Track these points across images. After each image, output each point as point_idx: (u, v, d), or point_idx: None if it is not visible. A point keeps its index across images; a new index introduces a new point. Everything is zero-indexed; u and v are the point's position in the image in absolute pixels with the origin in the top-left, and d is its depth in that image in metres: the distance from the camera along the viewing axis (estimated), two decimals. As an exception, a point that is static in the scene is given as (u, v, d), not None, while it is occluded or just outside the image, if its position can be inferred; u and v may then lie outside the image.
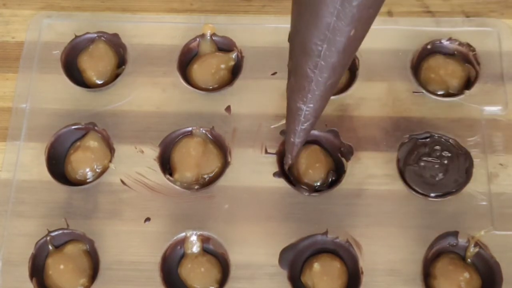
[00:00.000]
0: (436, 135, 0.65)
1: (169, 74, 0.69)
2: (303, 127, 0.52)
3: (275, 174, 0.64)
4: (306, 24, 0.43)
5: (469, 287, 0.59)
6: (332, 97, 0.67)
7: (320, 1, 0.41)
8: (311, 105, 0.48)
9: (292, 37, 0.46)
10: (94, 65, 0.70)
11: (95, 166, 0.65)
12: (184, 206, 0.63)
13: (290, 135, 0.54)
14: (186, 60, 0.71)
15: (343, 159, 0.65)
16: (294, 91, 0.49)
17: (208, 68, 0.69)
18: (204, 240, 0.62)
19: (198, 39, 0.71)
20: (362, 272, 0.60)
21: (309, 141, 0.65)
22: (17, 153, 0.66)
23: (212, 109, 0.68)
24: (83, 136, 0.67)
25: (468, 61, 0.69)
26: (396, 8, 0.73)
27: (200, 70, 0.70)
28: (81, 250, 0.62)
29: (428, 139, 0.65)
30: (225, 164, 0.65)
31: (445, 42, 0.70)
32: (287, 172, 0.64)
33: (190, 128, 0.67)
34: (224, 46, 0.71)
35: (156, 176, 0.65)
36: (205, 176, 0.65)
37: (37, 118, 0.68)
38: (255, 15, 0.74)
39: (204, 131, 0.67)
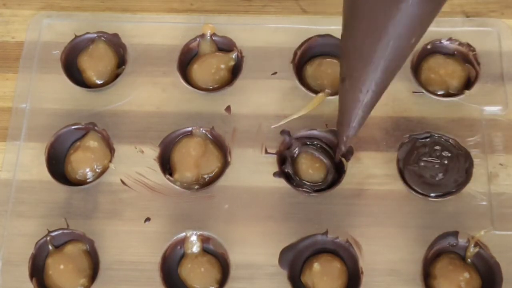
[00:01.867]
0: (436, 135, 0.65)
1: (169, 74, 0.69)
2: (355, 124, 0.53)
3: (275, 174, 0.64)
4: (365, 37, 0.43)
5: (469, 287, 0.59)
6: (332, 97, 0.67)
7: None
8: (369, 102, 0.49)
9: (346, 44, 0.47)
10: (94, 65, 0.70)
11: (95, 166, 0.65)
12: (184, 206, 0.63)
13: (343, 134, 0.55)
14: (186, 60, 0.71)
15: (343, 159, 0.65)
16: (348, 96, 0.50)
17: (208, 68, 0.69)
18: (204, 240, 0.62)
19: (198, 39, 0.71)
20: (362, 272, 0.60)
21: (310, 141, 0.65)
22: (17, 153, 0.66)
23: (212, 109, 0.68)
24: (83, 136, 0.67)
25: (468, 61, 0.69)
26: (396, 8, 0.73)
27: (200, 70, 0.70)
28: (81, 250, 0.62)
29: (428, 139, 0.65)
30: (225, 164, 0.65)
31: (445, 42, 0.70)
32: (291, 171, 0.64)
33: (190, 128, 0.67)
34: (224, 46, 0.71)
35: (156, 176, 0.65)
36: (205, 176, 0.65)
37: (37, 118, 0.68)
38: (255, 15, 0.74)
39: (204, 131, 0.67)
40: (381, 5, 0.40)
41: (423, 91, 0.67)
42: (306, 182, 0.64)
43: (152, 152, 0.66)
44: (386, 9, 0.40)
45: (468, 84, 0.68)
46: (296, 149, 0.65)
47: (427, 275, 0.60)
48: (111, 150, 0.66)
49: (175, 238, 0.62)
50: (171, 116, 0.68)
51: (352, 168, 0.64)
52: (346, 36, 0.46)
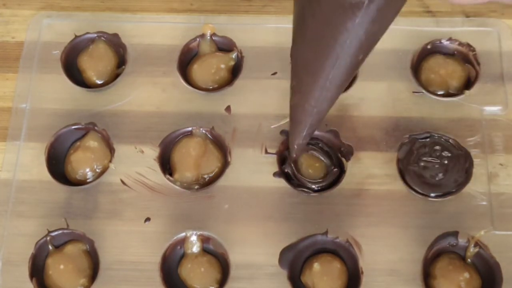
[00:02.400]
0: (436, 135, 0.65)
1: (169, 74, 0.69)
2: (307, 132, 0.53)
3: (275, 174, 0.64)
4: (314, 53, 0.44)
5: (469, 287, 0.59)
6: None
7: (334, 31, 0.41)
8: (316, 117, 0.49)
9: (295, 57, 0.47)
10: (94, 65, 0.70)
11: (95, 166, 0.65)
12: (184, 206, 0.63)
13: (294, 142, 0.55)
14: (186, 60, 0.71)
15: (343, 159, 0.65)
16: (298, 106, 0.50)
17: (208, 68, 0.69)
18: (204, 240, 0.62)
19: (198, 39, 0.71)
20: (362, 272, 0.60)
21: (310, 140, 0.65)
22: (17, 153, 0.66)
23: (212, 109, 0.68)
24: (83, 136, 0.67)
25: (468, 61, 0.69)
26: (396, 8, 0.73)
27: (200, 70, 0.70)
28: (81, 250, 0.62)
29: (428, 139, 0.65)
30: (225, 164, 0.65)
31: (445, 42, 0.70)
32: (291, 170, 0.64)
33: (190, 128, 0.67)
34: (224, 46, 0.71)
35: (156, 176, 0.65)
36: (205, 176, 0.65)
37: (37, 118, 0.68)
38: (255, 15, 0.74)
39: (204, 131, 0.67)
40: (329, 25, 0.40)
41: (423, 91, 0.67)
42: (306, 179, 0.64)
43: (152, 152, 0.66)
44: (333, 29, 0.40)
45: (468, 84, 0.68)
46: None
47: (427, 275, 0.60)
48: (111, 150, 0.66)
49: (175, 238, 0.62)
50: (171, 116, 0.68)
51: (352, 168, 0.64)
52: (294, 51, 0.46)
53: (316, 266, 0.60)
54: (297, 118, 0.50)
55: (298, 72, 0.47)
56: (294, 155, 0.60)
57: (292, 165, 0.64)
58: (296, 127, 0.51)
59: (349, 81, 0.46)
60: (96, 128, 0.67)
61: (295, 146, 0.56)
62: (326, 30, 0.41)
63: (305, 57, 0.45)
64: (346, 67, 0.43)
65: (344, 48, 0.41)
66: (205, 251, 0.62)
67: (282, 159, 0.65)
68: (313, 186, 0.63)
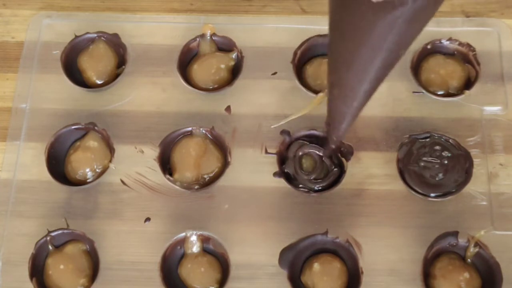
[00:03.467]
0: (436, 135, 0.65)
1: (169, 74, 0.69)
2: (344, 125, 0.54)
3: (275, 174, 0.64)
4: (354, 49, 0.45)
5: (469, 287, 0.59)
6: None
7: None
8: (356, 109, 0.50)
9: (334, 52, 0.48)
10: (94, 65, 0.70)
11: (95, 166, 0.65)
12: (184, 206, 0.63)
13: (333, 134, 0.56)
14: (186, 60, 0.71)
15: (343, 159, 0.65)
16: (339, 100, 0.51)
17: (208, 68, 0.69)
18: (204, 240, 0.62)
19: (198, 39, 0.71)
20: (362, 272, 0.60)
21: (310, 140, 0.65)
22: (17, 153, 0.66)
23: (212, 109, 0.68)
24: (83, 136, 0.67)
25: (468, 61, 0.69)
26: (396, 8, 0.73)
27: (200, 70, 0.70)
28: (81, 250, 0.62)
29: (428, 139, 0.65)
30: (225, 164, 0.65)
31: (445, 42, 0.70)
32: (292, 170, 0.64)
33: (190, 128, 0.67)
34: (224, 46, 0.71)
35: (156, 176, 0.65)
36: (205, 176, 0.65)
37: (37, 118, 0.68)
38: (255, 15, 0.74)
39: (204, 131, 0.67)
40: (371, 21, 0.41)
41: (423, 91, 0.67)
42: (306, 177, 0.64)
43: (152, 152, 0.66)
44: (375, 26, 0.41)
45: (468, 84, 0.68)
46: (296, 149, 0.65)
47: (427, 275, 0.60)
48: (111, 150, 0.66)
49: (175, 238, 0.62)
50: (171, 116, 0.68)
51: (352, 168, 0.64)
52: (334, 48, 0.47)
53: (316, 266, 0.60)
54: (337, 111, 0.51)
55: (338, 67, 0.48)
56: (333, 146, 0.60)
57: (291, 166, 0.64)
58: (336, 120, 0.52)
59: (387, 75, 0.47)
60: (96, 128, 0.67)
61: (334, 138, 0.56)
62: (368, 27, 0.41)
63: (345, 52, 0.46)
64: (386, 62, 0.45)
65: (385, 44, 0.42)
66: (205, 251, 0.62)
67: (282, 159, 0.65)
68: (314, 186, 0.63)
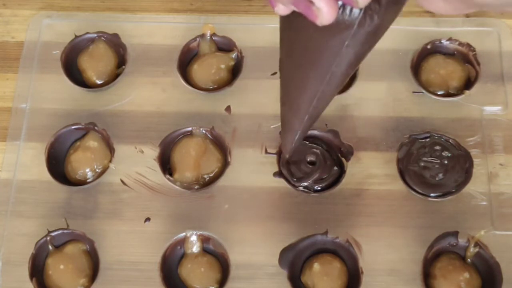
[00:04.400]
0: (436, 135, 0.65)
1: (169, 74, 0.69)
2: (296, 139, 0.53)
3: (275, 174, 0.64)
4: (301, 70, 0.45)
5: (469, 287, 0.59)
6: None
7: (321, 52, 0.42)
8: (307, 122, 0.50)
9: (283, 71, 0.48)
10: (94, 65, 0.70)
11: (95, 166, 0.65)
12: (184, 206, 0.63)
13: (285, 147, 0.55)
14: (186, 60, 0.71)
15: (343, 159, 0.65)
16: (288, 115, 0.51)
17: (208, 68, 0.69)
18: (204, 240, 0.62)
19: (198, 39, 0.71)
20: (362, 272, 0.60)
21: (310, 141, 0.65)
22: (17, 153, 0.66)
23: (212, 109, 0.68)
24: (83, 136, 0.67)
25: (468, 61, 0.69)
26: (396, 8, 0.73)
27: (200, 70, 0.70)
28: (81, 250, 0.62)
29: (428, 139, 0.65)
30: (225, 164, 0.65)
31: (445, 42, 0.70)
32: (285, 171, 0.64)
33: (190, 128, 0.67)
34: (224, 46, 0.71)
35: (156, 176, 0.65)
36: (205, 176, 0.65)
37: (37, 118, 0.68)
38: (255, 15, 0.74)
39: (204, 131, 0.67)
40: (317, 45, 0.41)
41: (423, 91, 0.67)
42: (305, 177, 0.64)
43: (152, 152, 0.66)
44: (322, 49, 0.41)
45: (468, 84, 0.68)
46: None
47: (427, 275, 0.60)
48: (111, 150, 0.66)
49: (175, 238, 0.62)
50: (171, 116, 0.68)
51: (352, 168, 0.64)
52: (283, 67, 0.47)
53: (316, 266, 0.60)
54: (287, 127, 0.51)
55: (287, 86, 0.48)
56: (287, 156, 0.61)
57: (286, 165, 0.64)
58: (286, 134, 0.53)
59: (337, 93, 0.47)
60: (96, 128, 0.67)
61: (288, 149, 0.56)
62: (316, 50, 0.42)
63: (294, 72, 0.46)
64: (335, 81, 0.45)
65: (333, 66, 0.42)
66: (205, 251, 0.62)
67: (282, 160, 0.65)
68: (314, 186, 0.64)
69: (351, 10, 0.38)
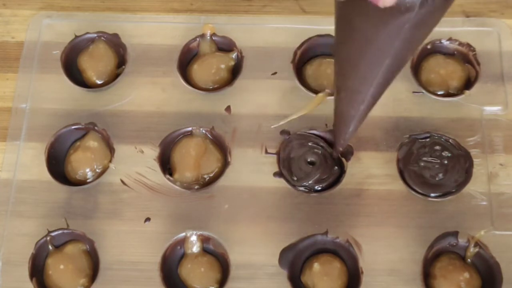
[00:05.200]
0: (436, 135, 0.65)
1: (169, 74, 0.69)
2: (351, 129, 0.54)
3: (275, 174, 0.64)
4: (361, 54, 0.45)
5: (469, 287, 0.59)
6: (332, 97, 0.67)
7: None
8: (363, 112, 0.51)
9: (340, 57, 0.48)
10: (94, 65, 0.70)
11: (95, 166, 0.65)
12: (184, 206, 0.63)
13: (340, 137, 0.56)
14: (186, 60, 0.71)
15: (343, 159, 0.65)
16: (346, 103, 0.51)
17: (208, 68, 0.69)
18: (204, 240, 0.62)
19: (198, 39, 0.71)
20: (362, 272, 0.60)
21: (310, 141, 0.65)
22: (17, 153, 0.66)
23: (212, 109, 0.68)
24: (83, 136, 0.67)
25: (468, 61, 0.69)
26: (396, 8, 0.73)
27: (200, 70, 0.70)
28: (81, 250, 0.62)
29: (428, 139, 0.65)
30: (225, 164, 0.65)
31: (445, 42, 0.70)
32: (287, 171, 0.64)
33: (190, 128, 0.67)
34: (224, 46, 0.71)
35: (156, 176, 0.65)
36: (205, 176, 0.65)
37: (37, 118, 0.68)
38: (255, 15, 0.74)
39: (204, 131, 0.67)
40: (378, 27, 0.41)
41: (423, 91, 0.67)
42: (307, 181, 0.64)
43: (152, 152, 0.66)
44: (383, 31, 0.41)
45: (468, 84, 0.68)
46: (293, 149, 0.65)
47: (427, 275, 0.60)
48: (111, 150, 0.66)
49: (175, 238, 0.62)
50: (171, 116, 0.68)
51: (352, 168, 0.64)
52: (340, 51, 0.47)
53: (316, 266, 0.60)
54: (344, 114, 0.51)
55: (344, 72, 0.48)
56: (340, 149, 0.60)
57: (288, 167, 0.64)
58: (342, 123, 0.52)
59: (395, 77, 0.47)
60: (96, 128, 0.67)
61: (342, 141, 0.56)
62: (375, 32, 0.41)
63: (352, 57, 0.46)
64: (393, 66, 0.45)
65: (392, 49, 0.42)
66: (205, 251, 0.62)
67: (282, 159, 0.65)
68: (314, 185, 0.64)
69: None
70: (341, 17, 0.44)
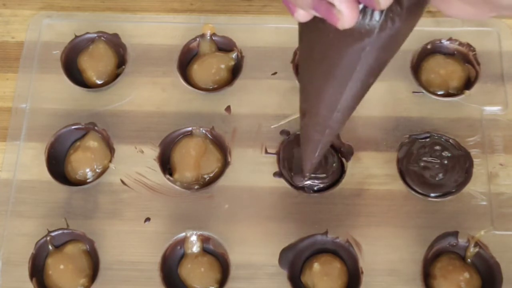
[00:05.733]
0: (436, 135, 0.65)
1: (169, 74, 0.69)
2: (321, 152, 0.53)
3: (275, 174, 0.64)
4: (323, 78, 0.44)
5: (469, 287, 0.59)
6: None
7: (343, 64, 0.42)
8: (329, 136, 0.50)
9: (304, 80, 0.48)
10: (94, 65, 0.70)
11: (95, 166, 0.65)
12: (184, 206, 0.63)
13: (307, 160, 0.55)
14: (186, 60, 0.71)
15: (343, 159, 0.65)
16: (311, 127, 0.50)
17: (208, 68, 0.69)
18: (204, 240, 0.62)
19: (198, 39, 0.71)
20: (362, 272, 0.60)
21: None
22: (17, 153, 0.66)
23: (212, 109, 0.68)
24: (83, 136, 0.67)
25: (468, 61, 0.69)
26: (396, 8, 0.73)
27: (200, 70, 0.70)
28: (81, 250, 0.62)
29: (428, 139, 0.65)
30: (225, 164, 0.65)
31: (445, 42, 0.70)
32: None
33: (190, 128, 0.67)
34: (224, 46, 0.71)
35: (156, 176, 0.65)
36: (205, 176, 0.65)
37: (37, 118, 0.68)
38: (255, 15, 0.74)
39: (204, 131, 0.67)
40: (338, 51, 0.41)
41: (423, 91, 0.67)
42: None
43: (152, 152, 0.66)
44: (343, 56, 0.41)
45: (468, 84, 0.68)
46: (293, 149, 0.65)
47: (427, 275, 0.60)
48: (111, 150, 0.66)
49: (175, 238, 0.62)
50: (171, 116, 0.68)
51: (352, 168, 0.64)
52: (303, 75, 0.47)
53: (316, 266, 0.60)
54: (309, 138, 0.51)
55: (308, 96, 0.47)
56: (307, 174, 0.60)
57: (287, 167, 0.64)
58: (308, 147, 0.52)
59: (358, 104, 0.47)
60: (96, 128, 0.67)
61: (309, 165, 0.56)
62: (336, 57, 0.41)
63: (315, 79, 0.45)
64: (357, 90, 0.44)
65: (354, 73, 0.42)
66: (205, 251, 0.62)
67: (282, 159, 0.65)
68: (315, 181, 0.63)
69: (372, 13, 0.37)
70: (303, 37, 0.44)
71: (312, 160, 0.54)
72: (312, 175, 0.63)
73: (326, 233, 0.61)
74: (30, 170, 0.65)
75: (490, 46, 0.70)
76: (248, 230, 0.62)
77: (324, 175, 0.64)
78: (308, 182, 0.63)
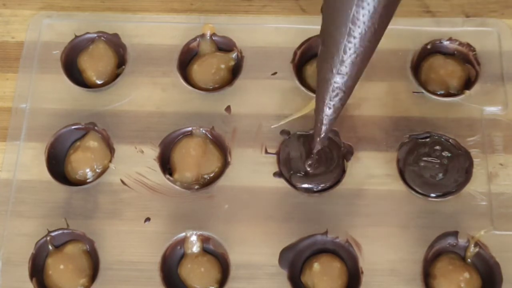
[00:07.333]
0: (436, 135, 0.65)
1: (169, 74, 0.69)
2: (332, 102, 0.55)
3: (275, 174, 0.64)
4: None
5: (469, 287, 0.59)
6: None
7: None
8: (341, 74, 0.54)
9: (324, 8, 0.53)
10: (94, 65, 0.70)
11: (95, 166, 0.65)
12: (184, 206, 0.63)
13: (320, 111, 0.57)
14: (186, 60, 0.71)
15: (343, 159, 0.65)
16: (324, 60, 0.54)
17: (208, 68, 0.69)
18: (204, 240, 0.62)
19: (198, 39, 0.71)
20: (362, 272, 0.60)
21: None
22: (17, 153, 0.66)
23: (212, 109, 0.68)
24: (83, 136, 0.67)
25: (468, 61, 0.69)
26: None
27: (200, 70, 0.70)
28: (81, 250, 0.62)
29: (428, 139, 0.65)
30: (225, 164, 0.65)
31: (445, 42, 0.70)
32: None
33: (190, 128, 0.67)
34: (224, 46, 0.71)
35: (156, 176, 0.65)
36: (205, 176, 0.65)
37: (37, 118, 0.68)
38: (255, 15, 0.74)
39: (204, 131, 0.67)
40: None
41: (423, 91, 0.67)
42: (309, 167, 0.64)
43: (152, 152, 0.66)
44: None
45: (468, 84, 0.68)
46: (293, 149, 0.65)
47: (427, 275, 0.60)
48: (111, 150, 0.66)
49: (175, 238, 0.62)
50: (171, 116, 0.68)
51: (352, 168, 0.64)
52: (323, 10, 0.53)
53: (316, 266, 0.60)
54: (323, 79, 0.55)
55: (325, 22, 0.53)
56: (318, 143, 0.60)
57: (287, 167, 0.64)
58: (322, 93, 0.55)
59: (377, 38, 0.53)
60: (96, 128, 0.67)
61: (320, 123, 0.58)
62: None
63: (327, 18, 0.51)
64: (361, 34, 0.51)
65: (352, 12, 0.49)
66: (205, 251, 0.62)
67: (282, 159, 0.65)
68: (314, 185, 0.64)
69: None
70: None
71: (324, 115, 0.56)
72: (314, 172, 0.63)
73: (326, 233, 0.61)
74: (30, 170, 0.65)
75: (490, 46, 0.70)
76: (248, 230, 0.62)
77: (326, 168, 0.63)
78: (307, 185, 0.63)
